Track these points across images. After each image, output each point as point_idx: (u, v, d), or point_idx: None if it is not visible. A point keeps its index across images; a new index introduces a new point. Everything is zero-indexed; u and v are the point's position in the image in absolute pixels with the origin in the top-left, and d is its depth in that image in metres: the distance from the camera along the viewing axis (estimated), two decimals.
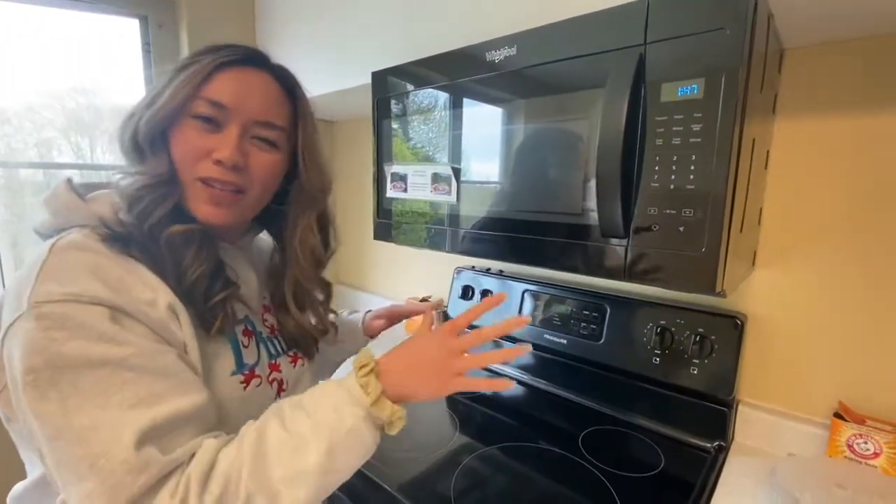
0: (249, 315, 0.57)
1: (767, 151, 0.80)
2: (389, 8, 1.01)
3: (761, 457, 0.82)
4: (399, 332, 0.88)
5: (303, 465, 0.41)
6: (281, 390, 0.59)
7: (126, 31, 1.37)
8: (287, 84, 0.56)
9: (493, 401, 1.07)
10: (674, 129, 0.56)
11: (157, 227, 0.46)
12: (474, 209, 0.80)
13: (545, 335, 1.07)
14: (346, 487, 0.76)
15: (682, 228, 0.57)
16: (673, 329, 0.89)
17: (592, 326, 1.00)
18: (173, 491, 0.38)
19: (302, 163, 0.57)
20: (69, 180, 0.48)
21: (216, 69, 0.48)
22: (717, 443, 0.85)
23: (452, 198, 0.83)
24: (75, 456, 0.36)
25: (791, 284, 0.82)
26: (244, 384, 0.52)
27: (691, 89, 0.55)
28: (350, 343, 0.84)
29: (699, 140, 0.55)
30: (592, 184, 0.62)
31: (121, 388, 0.38)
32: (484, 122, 0.78)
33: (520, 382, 1.13)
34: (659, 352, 0.90)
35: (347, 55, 1.13)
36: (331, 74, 1.16)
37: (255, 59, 0.53)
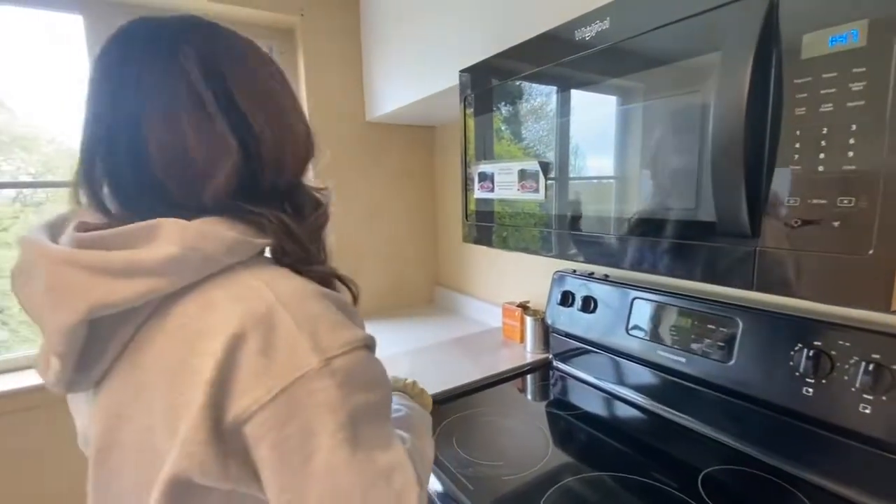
0: None
1: None
2: (474, 5, 0.97)
3: None
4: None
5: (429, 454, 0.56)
6: None
7: None
8: None
9: (595, 420, 0.96)
10: (822, 92, 0.43)
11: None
12: (565, 207, 0.72)
13: (659, 351, 0.92)
14: None
15: (837, 224, 0.43)
16: (833, 353, 0.69)
17: (720, 344, 0.83)
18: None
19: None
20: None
21: None
22: None
23: (541, 195, 0.76)
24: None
25: None
26: None
27: (848, 36, 0.41)
28: None
29: (862, 103, 0.40)
30: (708, 170, 0.51)
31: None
32: (576, 110, 0.70)
33: (631, 404, 1.00)
34: (812, 381, 0.71)
35: (438, 58, 1.12)
36: (424, 79, 1.17)
37: None
